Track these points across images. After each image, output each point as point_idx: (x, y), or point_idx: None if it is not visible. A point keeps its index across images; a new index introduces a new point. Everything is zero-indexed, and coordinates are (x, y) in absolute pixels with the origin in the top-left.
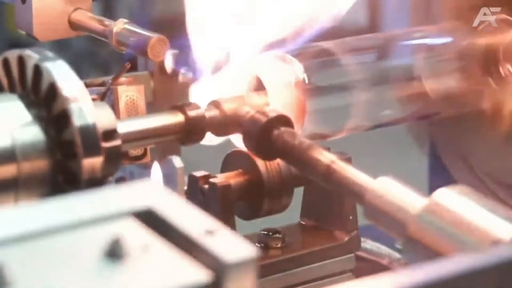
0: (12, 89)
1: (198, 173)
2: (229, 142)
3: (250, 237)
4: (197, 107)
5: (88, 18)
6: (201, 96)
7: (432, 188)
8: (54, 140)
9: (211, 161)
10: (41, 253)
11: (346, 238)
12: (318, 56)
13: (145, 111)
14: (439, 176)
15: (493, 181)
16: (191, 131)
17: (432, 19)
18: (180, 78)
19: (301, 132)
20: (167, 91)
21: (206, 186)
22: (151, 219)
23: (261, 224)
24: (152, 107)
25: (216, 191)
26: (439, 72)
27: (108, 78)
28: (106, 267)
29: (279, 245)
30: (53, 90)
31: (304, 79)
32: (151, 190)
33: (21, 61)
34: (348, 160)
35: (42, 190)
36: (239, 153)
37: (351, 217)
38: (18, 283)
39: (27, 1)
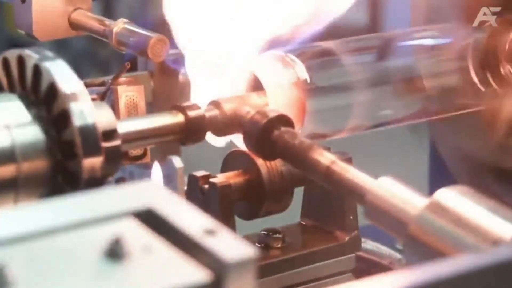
0: (11, 89)
1: (198, 173)
2: (229, 142)
3: (250, 237)
4: (197, 107)
5: (88, 18)
6: (201, 96)
7: (432, 189)
8: (54, 140)
9: (211, 161)
10: (42, 253)
11: (347, 238)
12: (319, 56)
13: (145, 111)
14: (439, 176)
15: (494, 181)
16: (191, 131)
17: (432, 19)
18: (180, 78)
19: (301, 132)
20: (167, 91)
21: (206, 186)
22: (151, 219)
23: (261, 224)
24: (152, 107)
25: (216, 191)
26: (440, 72)
27: (108, 78)
28: (106, 267)
29: (279, 245)
30: (53, 90)
31: (306, 79)
32: (151, 190)
33: (21, 61)
34: (349, 160)
35: (42, 190)
36: (239, 153)
37: (351, 217)
38: (19, 283)
39: (26, 1)
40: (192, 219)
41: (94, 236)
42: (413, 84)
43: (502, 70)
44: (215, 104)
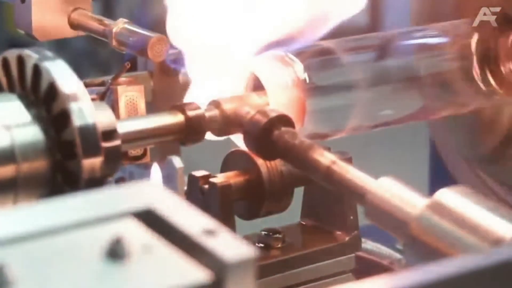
0: (11, 89)
1: (198, 173)
2: (229, 142)
3: (250, 237)
4: (197, 107)
5: (88, 17)
6: (200, 96)
7: (432, 189)
8: (53, 140)
9: (211, 161)
10: (42, 254)
11: (347, 238)
12: (319, 55)
13: (145, 111)
14: (439, 176)
15: (494, 181)
16: (191, 131)
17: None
18: (180, 78)
19: (301, 132)
20: (167, 91)
21: (206, 186)
22: (151, 219)
23: (261, 224)
24: (152, 107)
25: (216, 191)
26: (440, 71)
27: (107, 78)
28: (107, 267)
29: (279, 245)
30: (52, 90)
31: (305, 79)
32: (151, 190)
33: (21, 60)
34: (349, 160)
35: (41, 190)
36: (239, 153)
37: (351, 217)
38: (19, 283)
39: (26, 1)
40: (192, 219)
41: (94, 236)
42: (413, 84)
43: (502, 69)
44: (215, 104)
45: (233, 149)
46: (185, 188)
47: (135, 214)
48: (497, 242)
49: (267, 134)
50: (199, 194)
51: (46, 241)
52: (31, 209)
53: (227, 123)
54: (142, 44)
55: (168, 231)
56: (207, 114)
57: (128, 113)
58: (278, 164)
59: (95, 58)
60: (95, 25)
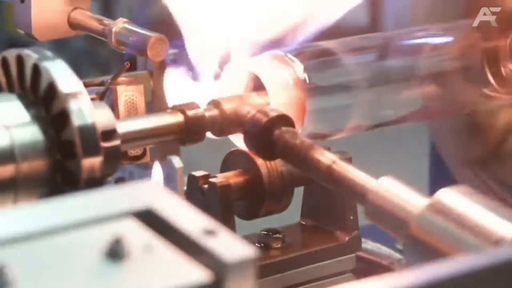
0: (10, 89)
1: (198, 173)
2: (229, 141)
3: (250, 237)
4: (197, 107)
5: (87, 17)
6: (200, 96)
7: (432, 189)
8: (53, 140)
9: (211, 161)
10: (42, 254)
11: (347, 238)
12: (319, 56)
13: (145, 111)
14: (439, 176)
15: (494, 181)
16: (191, 131)
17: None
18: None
19: (301, 132)
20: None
21: (206, 186)
22: (151, 219)
23: (261, 224)
24: (152, 107)
25: (215, 191)
26: (440, 71)
27: (107, 78)
28: (107, 267)
29: (279, 245)
30: (52, 89)
31: (306, 79)
32: (151, 190)
33: (20, 60)
34: (349, 160)
35: (41, 190)
36: (239, 152)
37: (351, 217)
38: (19, 283)
39: (26, 0)
40: (192, 219)
41: (94, 236)
42: (413, 84)
43: (502, 69)
44: (215, 103)
45: (233, 149)
46: (185, 188)
47: (135, 214)
48: (497, 242)
49: (267, 134)
50: (199, 194)
51: (46, 241)
52: (31, 209)
53: (227, 123)
54: (141, 44)
55: (168, 231)
56: (207, 114)
57: (127, 113)
58: (278, 164)
59: (95, 58)
60: (94, 24)
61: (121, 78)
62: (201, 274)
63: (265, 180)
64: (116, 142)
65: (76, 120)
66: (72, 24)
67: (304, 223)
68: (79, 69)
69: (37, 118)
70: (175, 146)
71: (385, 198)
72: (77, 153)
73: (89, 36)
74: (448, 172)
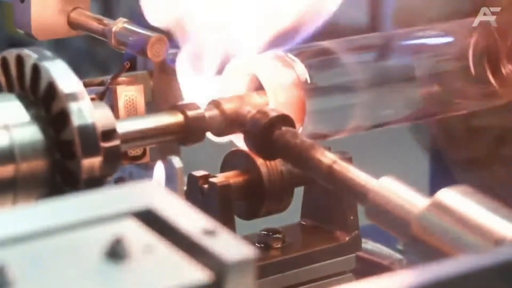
0: (10, 89)
1: (198, 173)
2: (229, 141)
3: (250, 237)
4: (197, 107)
5: (87, 17)
6: (200, 96)
7: (433, 189)
8: (52, 140)
9: (211, 161)
10: (42, 254)
11: (347, 238)
12: (319, 56)
13: (144, 111)
14: (440, 176)
15: (494, 181)
16: (191, 131)
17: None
18: None
19: (301, 132)
20: (167, 91)
21: (206, 186)
22: (151, 219)
23: (261, 224)
24: (152, 107)
25: (215, 191)
26: (440, 71)
27: (107, 78)
28: (107, 267)
29: (279, 245)
30: (51, 89)
31: (306, 79)
32: (151, 190)
33: (20, 60)
34: (349, 160)
35: (40, 190)
36: (239, 152)
37: (352, 217)
38: (19, 284)
39: (25, 0)
40: (191, 219)
41: (94, 236)
42: (413, 84)
43: (503, 69)
44: (215, 104)
45: (233, 149)
46: (185, 188)
47: (135, 214)
48: (498, 242)
49: (267, 134)
50: (199, 194)
51: (46, 241)
52: (31, 209)
53: (227, 123)
54: (141, 44)
55: (168, 231)
56: (207, 114)
57: (127, 113)
58: (278, 164)
59: (95, 58)
60: (94, 24)
61: (121, 78)
62: (201, 274)
63: (265, 180)
64: (116, 142)
65: (76, 120)
66: (72, 24)
67: (304, 223)
68: (79, 69)
69: (37, 118)
70: (175, 146)
71: (385, 198)
72: (77, 153)
73: (89, 36)
74: (448, 172)
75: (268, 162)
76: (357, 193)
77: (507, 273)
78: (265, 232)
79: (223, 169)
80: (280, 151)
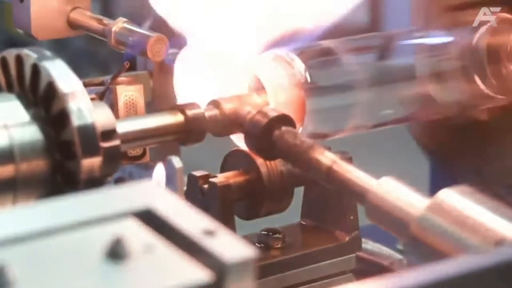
0: (10, 89)
1: (198, 173)
2: (229, 141)
3: (250, 237)
4: (197, 107)
5: (87, 17)
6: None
7: (433, 189)
8: (52, 140)
9: (211, 161)
10: (42, 254)
11: (347, 239)
12: (319, 55)
13: (144, 111)
14: (440, 176)
15: (495, 181)
16: (191, 131)
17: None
18: None
19: (301, 132)
20: (167, 91)
21: (206, 186)
22: (150, 220)
23: (261, 224)
24: (151, 107)
25: (216, 191)
26: (440, 72)
27: (107, 78)
28: (107, 267)
29: (279, 245)
30: (51, 89)
31: (306, 79)
32: (151, 190)
33: (19, 60)
34: (349, 160)
35: (40, 190)
36: (239, 152)
37: (352, 218)
38: (19, 284)
39: (25, 0)
40: (192, 219)
41: (94, 236)
42: (414, 84)
43: (503, 69)
44: (215, 103)
45: (233, 149)
46: (185, 188)
47: (135, 214)
48: (498, 242)
49: (267, 134)
50: (199, 194)
51: (46, 241)
52: (31, 209)
53: (227, 123)
54: (141, 44)
55: (168, 231)
56: (207, 114)
57: (127, 113)
58: (278, 164)
59: (94, 58)
60: (94, 24)
61: (121, 78)
62: (201, 274)
63: (265, 180)
64: (116, 142)
65: (76, 120)
66: (72, 24)
67: (304, 223)
68: (79, 69)
69: (37, 118)
70: (175, 146)
71: (385, 198)
72: (76, 153)
73: (89, 36)
74: (449, 172)
75: (268, 162)
76: (357, 193)
77: (507, 273)
78: (265, 232)
79: (223, 169)
80: (280, 151)
